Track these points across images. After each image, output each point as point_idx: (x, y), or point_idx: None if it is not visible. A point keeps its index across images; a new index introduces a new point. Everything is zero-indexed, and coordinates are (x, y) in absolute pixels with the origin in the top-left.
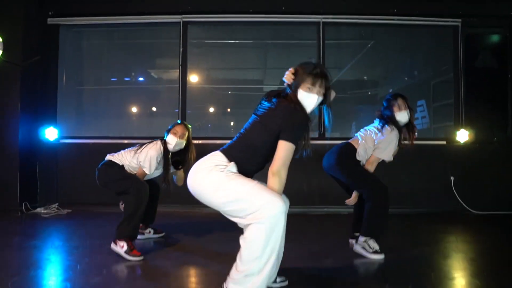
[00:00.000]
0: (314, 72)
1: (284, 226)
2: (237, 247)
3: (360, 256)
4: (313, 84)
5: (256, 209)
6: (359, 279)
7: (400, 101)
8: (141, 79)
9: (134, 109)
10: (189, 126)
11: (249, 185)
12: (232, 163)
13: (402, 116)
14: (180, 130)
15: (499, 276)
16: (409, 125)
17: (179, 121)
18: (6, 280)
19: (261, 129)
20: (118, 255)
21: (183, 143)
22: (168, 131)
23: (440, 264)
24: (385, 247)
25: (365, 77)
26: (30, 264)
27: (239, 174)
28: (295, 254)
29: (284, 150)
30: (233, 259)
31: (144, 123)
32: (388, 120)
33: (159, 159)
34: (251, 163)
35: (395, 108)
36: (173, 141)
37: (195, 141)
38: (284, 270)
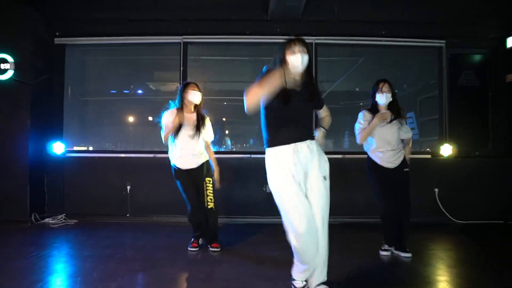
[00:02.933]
0: (291, 39)
1: None
2: None
3: (348, 262)
4: (294, 46)
5: None
6: (346, 284)
7: (381, 85)
8: (140, 91)
9: (131, 119)
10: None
11: None
12: None
13: (380, 98)
14: (196, 85)
15: (475, 282)
16: (393, 105)
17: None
18: (30, 286)
19: None
20: (130, 263)
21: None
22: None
23: (420, 270)
24: (369, 255)
25: (357, 89)
26: (49, 272)
27: None
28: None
29: None
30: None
31: (141, 133)
32: (370, 106)
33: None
34: None
35: (378, 92)
36: (195, 96)
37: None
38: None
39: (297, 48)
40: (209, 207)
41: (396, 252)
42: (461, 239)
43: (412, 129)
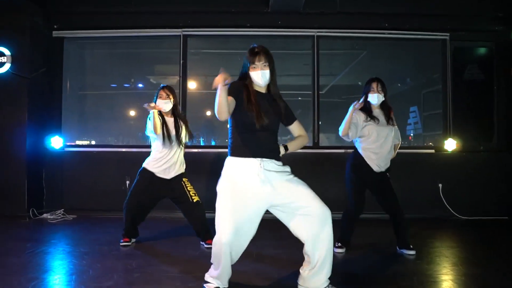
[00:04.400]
0: (252, 51)
1: None
2: None
3: (349, 259)
4: (254, 62)
5: None
6: (344, 281)
7: (374, 84)
8: (140, 85)
9: (132, 113)
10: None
11: None
12: None
13: (372, 98)
14: (164, 93)
15: (479, 280)
16: (384, 106)
17: (162, 85)
18: (25, 284)
19: None
20: (128, 260)
21: (169, 102)
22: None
23: (423, 269)
24: (371, 251)
25: (359, 83)
26: (45, 269)
27: None
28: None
29: None
30: None
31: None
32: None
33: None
34: None
35: (370, 92)
36: (161, 104)
37: (195, 150)
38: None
39: (257, 62)
40: (195, 200)
41: (400, 250)
42: (465, 236)
43: (415, 123)
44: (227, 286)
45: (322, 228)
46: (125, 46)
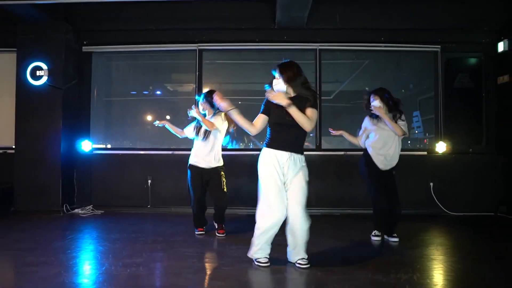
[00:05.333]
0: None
1: None
2: None
3: (345, 255)
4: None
5: None
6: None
7: (373, 96)
8: (158, 92)
9: (150, 118)
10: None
11: None
12: None
13: (374, 104)
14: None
15: (466, 273)
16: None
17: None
18: (70, 260)
19: None
20: (152, 245)
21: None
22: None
23: (408, 254)
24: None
25: (366, 88)
26: (85, 250)
27: None
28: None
29: None
30: None
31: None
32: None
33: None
34: None
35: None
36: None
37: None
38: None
39: (277, 74)
40: (224, 190)
41: (386, 238)
42: (454, 229)
43: (418, 127)
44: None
45: (294, 222)
46: (146, 58)
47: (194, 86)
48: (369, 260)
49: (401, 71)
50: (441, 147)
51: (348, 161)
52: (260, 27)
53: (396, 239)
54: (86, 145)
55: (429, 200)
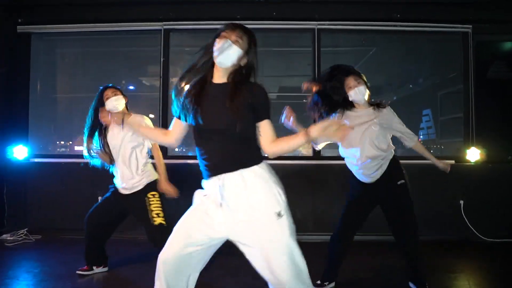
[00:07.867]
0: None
1: None
2: None
3: None
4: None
5: None
6: None
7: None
8: (131, 87)
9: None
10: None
11: None
12: None
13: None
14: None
15: None
16: None
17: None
18: None
19: None
20: None
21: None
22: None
23: None
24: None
25: (368, 84)
26: None
27: None
28: None
29: None
30: None
31: None
32: None
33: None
34: None
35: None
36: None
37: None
38: None
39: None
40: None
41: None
42: (491, 261)
43: (428, 127)
44: None
45: None
46: (108, 45)
47: (160, 76)
48: None
49: (413, 62)
50: (473, 154)
51: None
52: (241, 0)
53: None
54: (19, 152)
55: (458, 223)
